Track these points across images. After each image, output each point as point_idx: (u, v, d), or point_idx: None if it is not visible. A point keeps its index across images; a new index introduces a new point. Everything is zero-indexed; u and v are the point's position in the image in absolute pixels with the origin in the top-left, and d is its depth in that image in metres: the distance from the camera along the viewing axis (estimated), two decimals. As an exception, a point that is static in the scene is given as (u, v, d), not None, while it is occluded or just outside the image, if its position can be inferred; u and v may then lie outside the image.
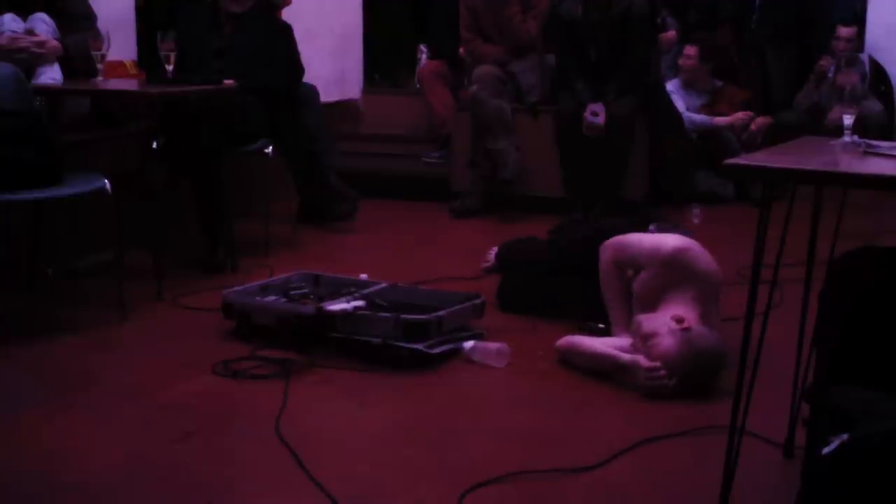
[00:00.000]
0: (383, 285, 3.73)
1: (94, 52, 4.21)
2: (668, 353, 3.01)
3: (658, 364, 3.03)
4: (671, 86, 6.38)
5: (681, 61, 6.44)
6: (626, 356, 3.12)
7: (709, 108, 6.38)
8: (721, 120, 6.24)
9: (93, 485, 2.44)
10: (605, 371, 3.17)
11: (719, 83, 6.48)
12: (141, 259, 4.18)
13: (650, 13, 5.90)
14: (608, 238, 3.50)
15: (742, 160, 2.21)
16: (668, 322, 3.05)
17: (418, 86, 6.55)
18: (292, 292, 3.69)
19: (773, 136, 5.60)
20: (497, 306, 3.85)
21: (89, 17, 4.52)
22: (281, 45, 4.93)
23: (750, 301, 2.15)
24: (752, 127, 6.18)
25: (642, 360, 3.07)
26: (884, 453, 1.61)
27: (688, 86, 6.41)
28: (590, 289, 3.55)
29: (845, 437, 1.61)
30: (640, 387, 3.04)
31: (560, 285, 3.75)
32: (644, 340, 3.08)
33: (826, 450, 1.61)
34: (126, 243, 4.01)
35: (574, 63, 5.68)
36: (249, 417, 2.88)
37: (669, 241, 3.24)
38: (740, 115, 6.24)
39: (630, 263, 3.35)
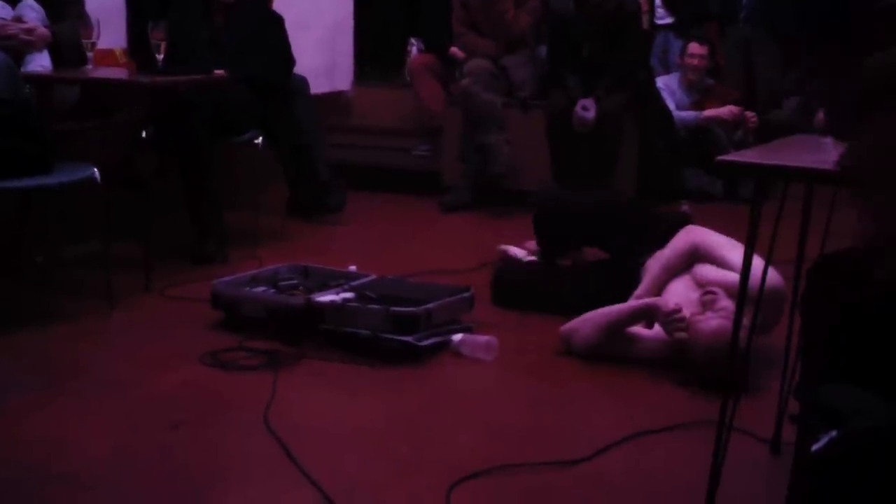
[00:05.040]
0: (372, 277, 3.73)
1: (83, 40, 4.19)
2: (704, 334, 3.01)
3: (679, 307, 3.10)
4: (661, 82, 6.37)
5: (687, 60, 6.41)
6: (639, 302, 3.23)
7: (698, 107, 6.39)
8: (709, 113, 6.24)
9: (80, 474, 2.43)
10: (616, 332, 3.22)
11: (710, 81, 6.49)
12: (130, 249, 4.16)
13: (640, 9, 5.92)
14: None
15: (734, 157, 2.22)
16: (731, 308, 3.00)
17: (408, 78, 6.53)
18: (281, 283, 3.69)
19: (763, 136, 5.61)
20: (492, 298, 3.85)
21: (78, 4, 4.49)
22: (272, 36, 4.92)
23: (740, 297, 2.16)
24: (749, 124, 6.19)
25: (658, 301, 3.16)
26: (872, 450, 1.62)
27: (689, 85, 6.40)
28: (584, 282, 3.58)
29: (834, 433, 1.62)
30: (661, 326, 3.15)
31: (555, 278, 3.78)
32: (706, 292, 3.13)
33: (815, 446, 1.62)
34: (115, 233, 3.99)
35: (565, 59, 5.68)
36: (237, 408, 2.87)
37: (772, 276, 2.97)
38: (731, 108, 6.24)
39: (710, 260, 3.35)
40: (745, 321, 3.05)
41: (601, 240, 3.85)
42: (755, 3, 6.73)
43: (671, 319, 3.09)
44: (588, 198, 4.17)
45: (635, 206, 4.23)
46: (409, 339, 3.25)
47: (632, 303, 3.30)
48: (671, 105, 6.25)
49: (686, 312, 3.13)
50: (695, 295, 3.23)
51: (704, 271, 3.32)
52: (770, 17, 6.59)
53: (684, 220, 3.77)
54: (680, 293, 3.29)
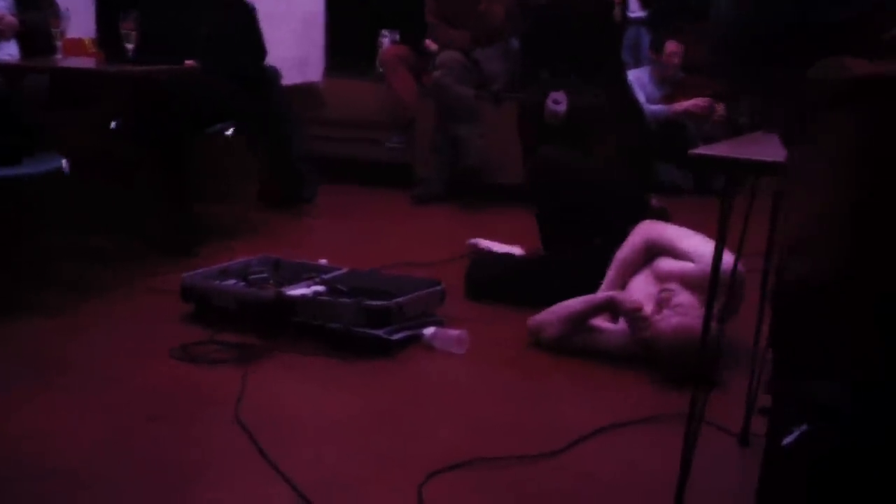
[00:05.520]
0: (343, 270, 3.72)
1: (53, 29, 4.15)
2: (666, 333, 3.02)
3: (640, 305, 3.10)
4: (632, 76, 6.39)
5: (666, 58, 6.43)
6: (601, 295, 3.24)
7: (669, 100, 6.41)
8: (679, 106, 6.27)
9: (62, 469, 2.40)
10: (579, 325, 3.23)
11: (681, 75, 6.51)
12: (110, 242, 4.12)
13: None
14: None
15: (706, 150, 2.23)
16: (696, 306, 3.01)
17: (380, 70, 6.50)
18: (252, 276, 3.66)
19: (739, 131, 5.63)
20: (465, 292, 3.84)
21: (48, -8, 4.45)
22: (247, 28, 4.90)
23: (710, 291, 2.17)
24: (715, 118, 6.22)
25: (620, 295, 3.18)
26: (842, 444, 1.63)
27: (663, 80, 6.42)
28: (556, 276, 3.59)
29: (805, 427, 1.63)
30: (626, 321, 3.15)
31: (527, 272, 3.79)
32: (662, 290, 3.13)
33: (786, 440, 1.63)
34: (95, 226, 3.94)
35: (541, 52, 5.68)
36: (216, 402, 2.83)
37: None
38: (699, 101, 6.27)
39: (667, 253, 3.37)
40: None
41: (594, 210, 3.81)
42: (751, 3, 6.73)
43: (636, 317, 3.09)
44: (584, 163, 4.19)
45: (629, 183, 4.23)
46: (380, 332, 3.23)
47: (593, 296, 3.31)
48: (641, 98, 6.27)
49: (647, 308, 3.14)
50: (654, 289, 3.24)
51: (662, 264, 3.34)
52: (769, 16, 6.57)
53: (661, 216, 3.78)
54: (641, 288, 3.31)
